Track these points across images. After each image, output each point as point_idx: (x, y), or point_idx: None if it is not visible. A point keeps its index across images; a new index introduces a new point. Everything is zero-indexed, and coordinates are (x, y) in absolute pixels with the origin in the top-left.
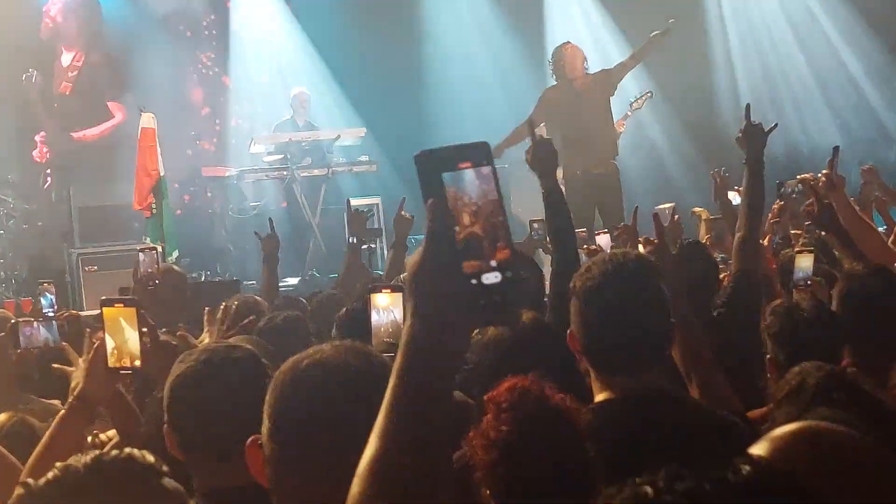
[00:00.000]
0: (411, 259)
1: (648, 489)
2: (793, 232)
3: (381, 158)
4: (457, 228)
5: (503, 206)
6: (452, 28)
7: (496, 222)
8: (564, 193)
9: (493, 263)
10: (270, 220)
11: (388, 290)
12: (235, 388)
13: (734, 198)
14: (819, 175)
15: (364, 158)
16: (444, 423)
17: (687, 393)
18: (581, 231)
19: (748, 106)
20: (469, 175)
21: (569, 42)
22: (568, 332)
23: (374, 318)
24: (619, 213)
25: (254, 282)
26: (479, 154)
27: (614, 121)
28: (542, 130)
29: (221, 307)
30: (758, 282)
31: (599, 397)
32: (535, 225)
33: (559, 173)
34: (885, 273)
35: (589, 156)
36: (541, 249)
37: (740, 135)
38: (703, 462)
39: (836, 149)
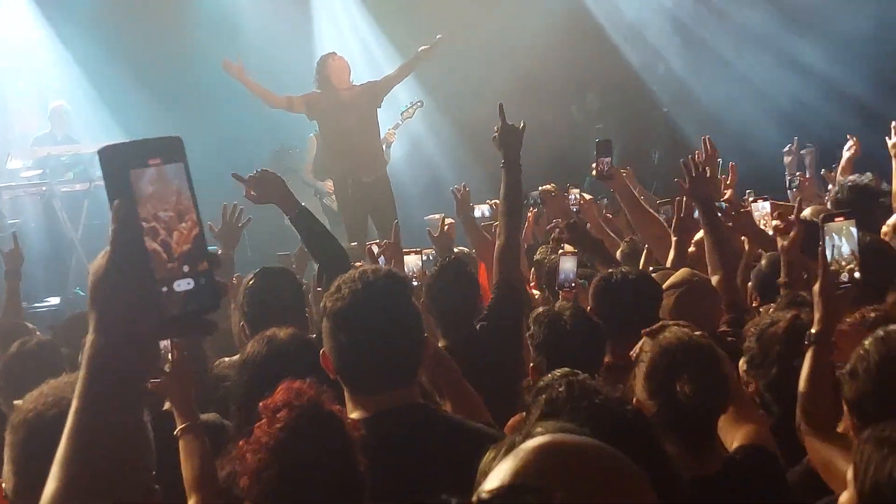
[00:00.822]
0: (94, 265)
1: None
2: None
3: None
4: (146, 228)
5: (196, 206)
6: (217, 37)
7: (190, 224)
8: (336, 203)
9: (186, 269)
10: (14, 234)
11: None
12: None
13: (484, 211)
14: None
15: None
16: (133, 455)
17: (440, 407)
18: (353, 244)
19: (501, 106)
20: (160, 172)
21: (335, 53)
22: (321, 351)
23: None
24: (392, 222)
25: None
26: (171, 149)
27: (382, 131)
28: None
29: None
30: (520, 290)
31: (353, 416)
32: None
33: (329, 184)
34: (636, 272)
35: (358, 165)
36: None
37: (496, 135)
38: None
39: (599, 143)
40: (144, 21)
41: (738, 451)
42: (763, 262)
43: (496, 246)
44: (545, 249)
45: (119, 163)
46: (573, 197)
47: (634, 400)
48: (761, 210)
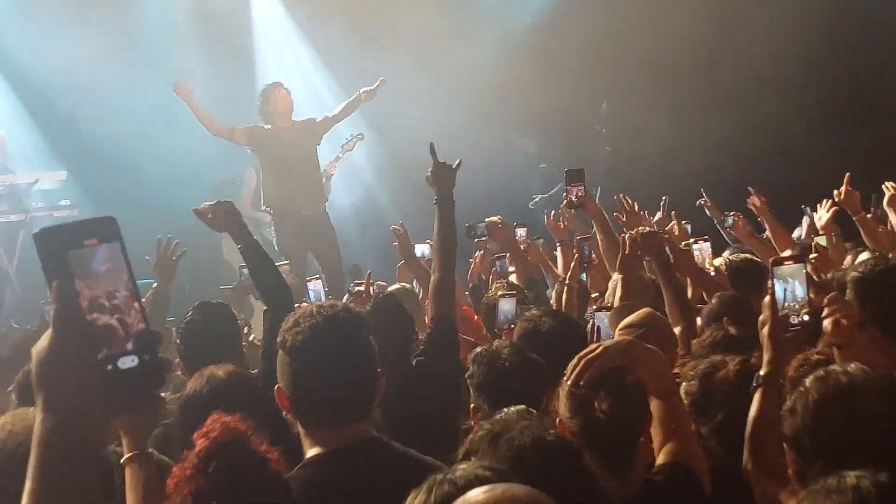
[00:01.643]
0: (37, 346)
1: None
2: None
3: (84, 202)
4: (87, 307)
5: (134, 283)
6: (157, 62)
7: (128, 301)
8: (275, 238)
9: (129, 346)
10: None
11: None
12: None
13: (424, 250)
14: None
15: (65, 202)
16: None
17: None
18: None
19: (432, 145)
20: (97, 252)
21: (281, 86)
22: (276, 387)
23: None
24: (334, 255)
25: None
26: (107, 229)
27: (322, 164)
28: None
29: None
30: (454, 325)
31: (310, 453)
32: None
33: (267, 218)
34: (558, 315)
35: (298, 201)
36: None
37: (430, 174)
38: None
39: (569, 171)
40: (83, 47)
41: (659, 469)
42: (714, 300)
43: (431, 281)
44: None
45: (56, 245)
46: (520, 234)
47: (558, 420)
48: (704, 251)
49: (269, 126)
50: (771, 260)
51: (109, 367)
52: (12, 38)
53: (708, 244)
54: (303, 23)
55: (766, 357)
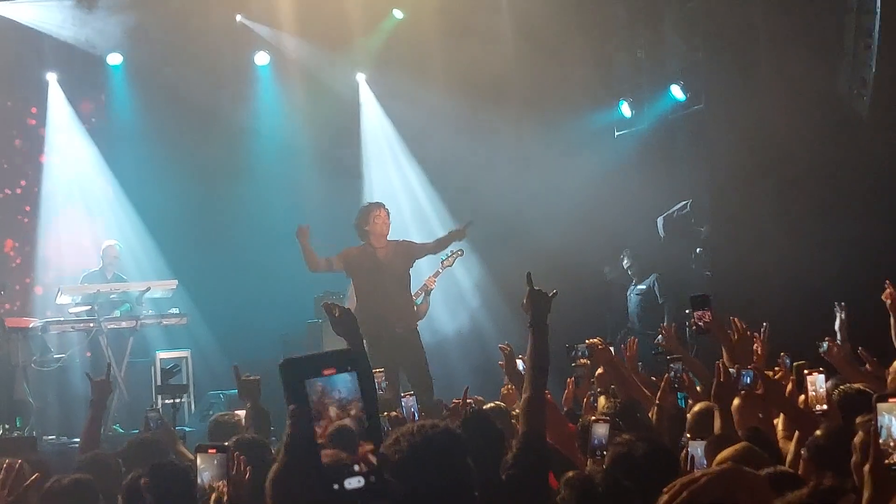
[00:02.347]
0: (272, 469)
1: None
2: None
3: (192, 311)
4: (319, 431)
5: (371, 409)
6: (268, 181)
7: (361, 425)
8: (370, 355)
9: (357, 468)
10: (109, 364)
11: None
12: None
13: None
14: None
15: (174, 311)
16: None
17: None
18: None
19: (528, 274)
20: (334, 380)
21: (381, 207)
22: None
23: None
24: (423, 376)
25: (54, 437)
26: (345, 360)
27: (423, 278)
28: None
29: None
30: (545, 442)
31: None
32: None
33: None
34: (651, 441)
35: (389, 319)
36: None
37: (525, 301)
38: None
39: (695, 298)
40: (198, 164)
41: None
42: (820, 431)
43: (522, 399)
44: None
45: (297, 373)
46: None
47: None
48: (818, 384)
49: (364, 243)
50: (875, 396)
51: (336, 486)
52: (127, 157)
53: (823, 377)
54: (409, 139)
55: (865, 495)
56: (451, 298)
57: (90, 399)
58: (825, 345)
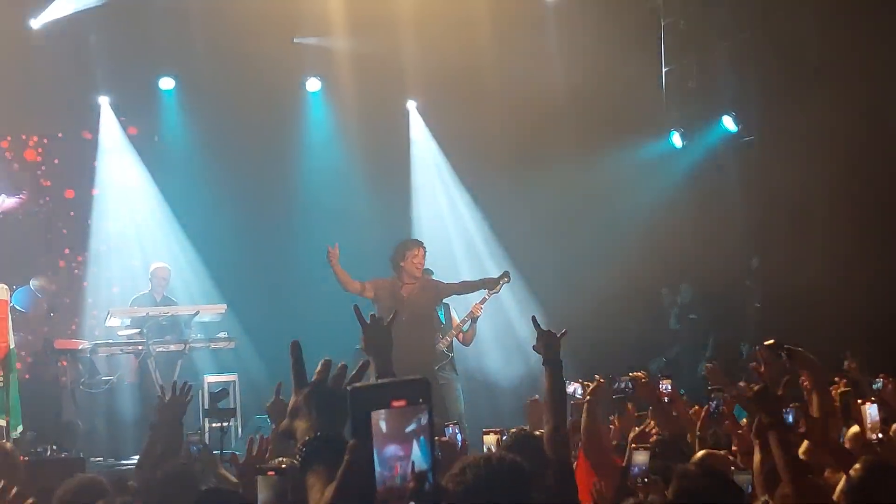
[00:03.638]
0: (325, 498)
1: None
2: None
3: (241, 335)
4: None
5: (433, 446)
6: (317, 206)
7: (416, 462)
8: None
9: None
10: (188, 385)
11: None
12: None
13: (576, 389)
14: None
15: (223, 335)
16: None
17: None
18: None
19: (534, 318)
20: (402, 413)
21: (421, 247)
22: None
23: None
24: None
25: (101, 458)
26: (417, 391)
27: (469, 305)
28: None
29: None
30: (571, 469)
31: None
32: None
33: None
34: (716, 474)
35: (403, 360)
36: None
37: (537, 342)
38: None
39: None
40: (248, 188)
41: None
42: (854, 471)
43: (546, 431)
44: None
45: (365, 403)
46: (665, 387)
47: None
48: (872, 416)
49: (394, 277)
50: None
51: None
52: (178, 180)
53: (876, 406)
54: (458, 164)
55: None
56: (500, 335)
57: (151, 423)
58: (880, 382)
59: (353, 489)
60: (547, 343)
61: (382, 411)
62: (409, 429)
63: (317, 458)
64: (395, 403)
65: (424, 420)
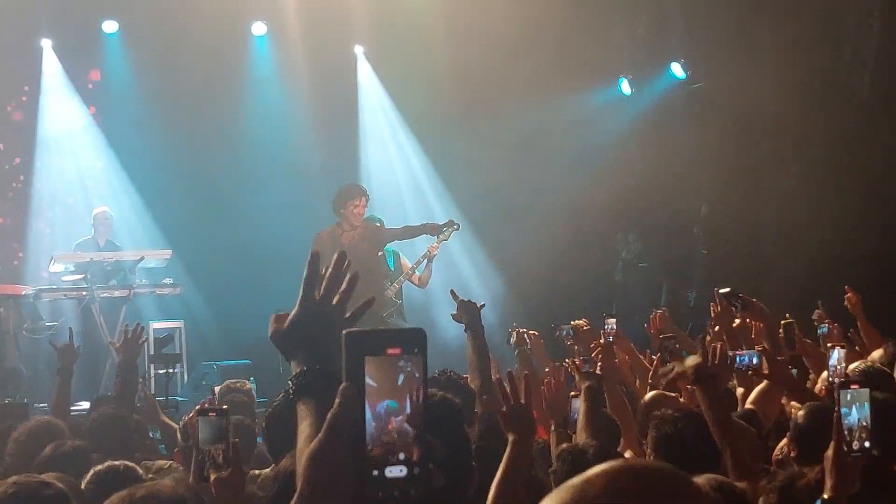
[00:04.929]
0: (312, 444)
1: None
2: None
3: (186, 281)
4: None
5: (426, 397)
6: (264, 152)
7: (414, 413)
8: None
9: (402, 456)
10: (70, 329)
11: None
12: None
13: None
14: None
15: (168, 281)
16: None
17: None
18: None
19: (452, 291)
20: (396, 361)
21: (363, 197)
22: None
23: None
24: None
25: (45, 404)
26: (412, 341)
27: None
28: None
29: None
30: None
31: None
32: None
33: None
34: (693, 416)
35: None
36: None
37: (457, 312)
38: None
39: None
40: (194, 133)
41: None
42: (801, 413)
43: (475, 388)
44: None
45: (359, 348)
46: (609, 325)
47: None
48: (835, 359)
49: (334, 224)
50: (837, 383)
51: (375, 472)
52: (126, 120)
53: (844, 351)
54: (406, 110)
55: (828, 482)
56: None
57: (57, 367)
58: (825, 327)
59: (343, 436)
60: (467, 310)
61: (376, 357)
62: (402, 377)
63: (307, 391)
64: (391, 351)
65: (418, 373)
